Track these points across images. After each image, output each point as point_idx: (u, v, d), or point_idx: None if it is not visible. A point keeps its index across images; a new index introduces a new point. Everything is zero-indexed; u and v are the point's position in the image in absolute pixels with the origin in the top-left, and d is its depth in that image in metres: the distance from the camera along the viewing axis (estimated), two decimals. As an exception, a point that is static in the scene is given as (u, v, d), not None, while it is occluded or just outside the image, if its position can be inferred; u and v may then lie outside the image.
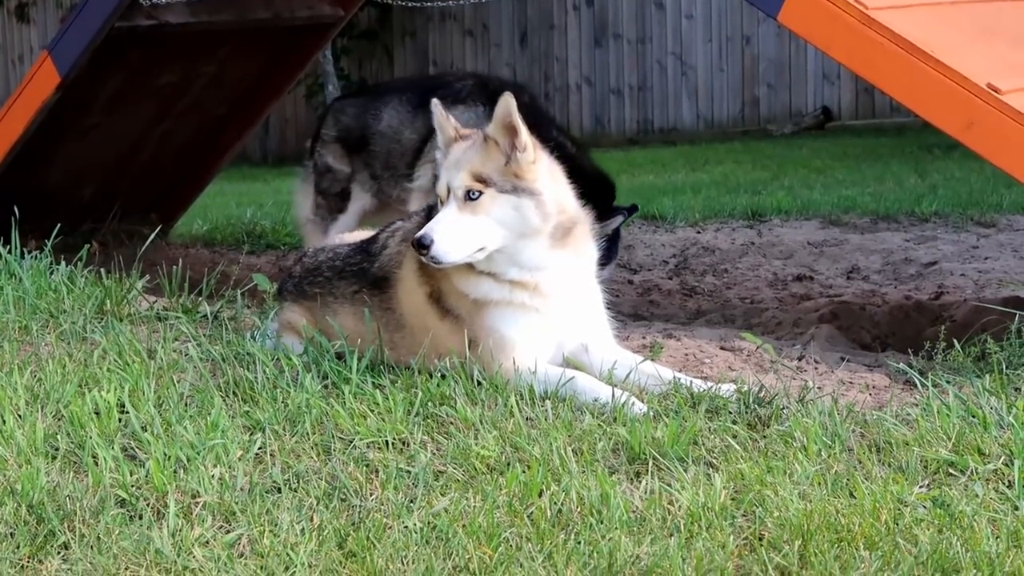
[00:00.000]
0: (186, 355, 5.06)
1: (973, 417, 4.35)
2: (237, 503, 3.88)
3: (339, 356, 4.84)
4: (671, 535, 3.68)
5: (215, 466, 4.09)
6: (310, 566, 3.55)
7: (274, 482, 4.04)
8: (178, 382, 4.77)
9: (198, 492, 3.94)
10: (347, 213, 7.53)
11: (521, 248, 4.70)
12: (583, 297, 4.89)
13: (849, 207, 9.87)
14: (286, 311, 5.28)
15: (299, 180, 7.98)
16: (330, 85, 17.49)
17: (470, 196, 4.64)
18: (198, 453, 4.16)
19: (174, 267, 5.92)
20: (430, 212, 4.83)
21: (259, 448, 4.24)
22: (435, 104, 4.87)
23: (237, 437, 4.28)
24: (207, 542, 3.70)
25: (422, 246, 4.59)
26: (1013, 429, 4.22)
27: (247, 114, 8.98)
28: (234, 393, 4.69)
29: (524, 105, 4.88)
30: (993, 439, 4.18)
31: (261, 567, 3.56)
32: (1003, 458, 4.07)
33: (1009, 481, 3.95)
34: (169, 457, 4.13)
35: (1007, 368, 4.76)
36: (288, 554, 3.61)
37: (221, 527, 3.80)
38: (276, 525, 3.76)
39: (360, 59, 19.05)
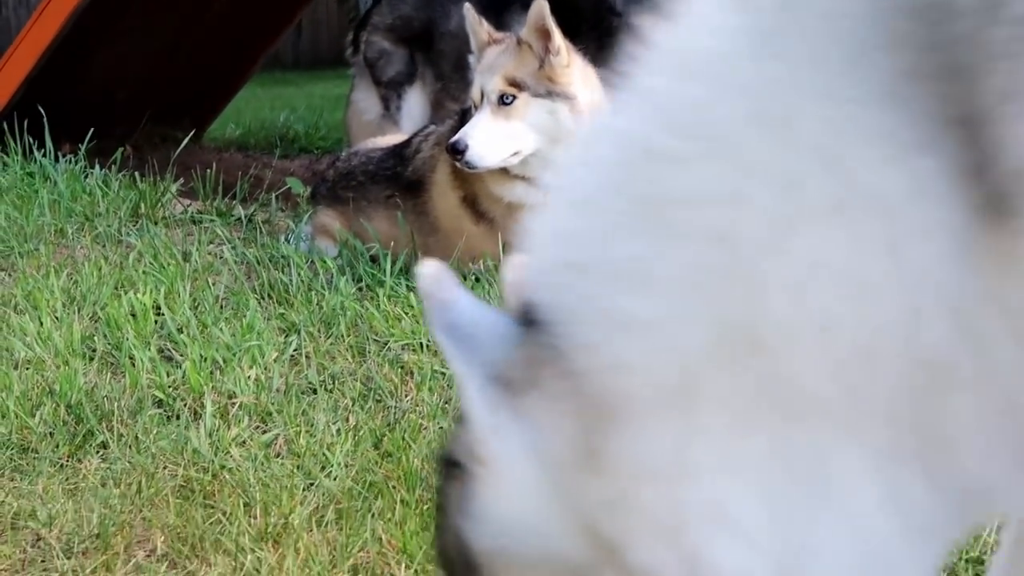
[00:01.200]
0: (221, 258, 5.07)
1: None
2: (273, 404, 3.91)
3: (373, 259, 4.85)
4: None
5: (251, 367, 4.11)
6: (346, 466, 3.57)
7: (310, 383, 4.06)
8: (213, 284, 4.79)
9: (234, 393, 3.97)
10: (406, 112, 7.24)
11: (556, 152, 4.70)
12: None
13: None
14: (320, 214, 5.29)
15: (354, 82, 7.59)
16: (362, -13, 17.40)
17: (504, 101, 4.62)
18: (234, 355, 4.18)
19: (208, 171, 5.93)
20: (464, 116, 4.83)
21: (294, 350, 4.25)
22: (467, 8, 4.85)
23: (272, 339, 4.30)
24: (244, 442, 3.73)
25: (456, 151, 4.59)
26: None
27: (279, 17, 8.94)
28: (269, 296, 4.71)
29: None
30: None
31: (297, 467, 3.58)
32: None
33: None
34: (205, 359, 4.16)
35: None
36: (324, 454, 3.63)
37: (258, 427, 3.83)
38: (312, 425, 3.78)
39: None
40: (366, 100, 7.40)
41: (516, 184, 4.75)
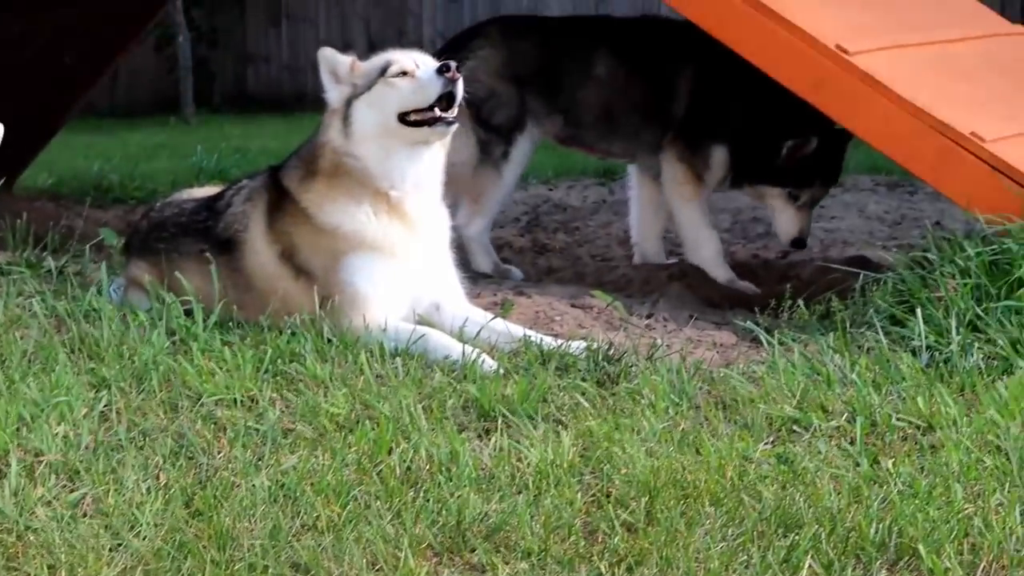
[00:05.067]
0: (30, 311, 4.96)
1: (817, 375, 4.43)
2: (81, 462, 3.82)
3: (188, 313, 4.79)
4: (520, 492, 3.70)
5: (59, 424, 4.03)
6: (156, 525, 3.51)
7: (119, 440, 3.98)
8: (21, 339, 4.68)
9: (41, 451, 3.87)
10: (514, 159, 6.49)
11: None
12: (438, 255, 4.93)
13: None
14: (133, 267, 5.21)
15: None
16: (181, 36, 17.24)
17: None
18: (42, 411, 4.09)
19: (18, 221, 5.81)
20: (274, 171, 4.91)
21: (104, 406, 4.17)
22: (322, 52, 4.95)
23: (82, 394, 4.22)
24: (50, 502, 3.64)
25: None
26: (856, 386, 4.30)
27: (95, 65, 8.81)
28: (79, 350, 4.62)
29: None
30: (836, 396, 4.26)
31: (105, 526, 3.51)
32: (845, 415, 4.15)
33: (851, 438, 4.03)
34: (11, 415, 4.05)
35: (850, 326, 4.85)
36: (133, 513, 3.56)
37: (65, 486, 3.74)
38: (121, 484, 3.71)
39: (212, 10, 18.79)
40: (454, 141, 6.82)
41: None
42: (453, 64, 4.82)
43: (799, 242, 6.39)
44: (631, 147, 6.62)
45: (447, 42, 7.14)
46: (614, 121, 6.46)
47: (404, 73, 4.83)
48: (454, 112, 4.80)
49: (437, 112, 4.78)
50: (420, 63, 4.87)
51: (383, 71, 4.85)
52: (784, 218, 6.33)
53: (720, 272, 6.26)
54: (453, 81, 4.77)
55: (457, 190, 6.22)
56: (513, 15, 6.14)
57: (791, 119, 6.04)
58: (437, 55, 5.11)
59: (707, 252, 6.30)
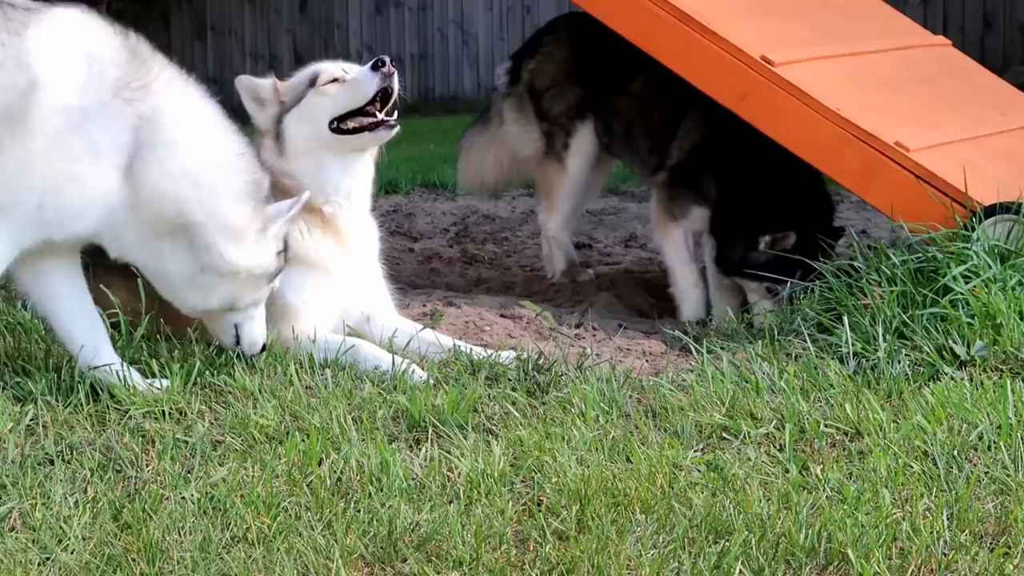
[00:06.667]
0: (-47, 325, 4.91)
1: (746, 382, 4.45)
2: (8, 476, 3.79)
3: (115, 326, 4.75)
4: (450, 502, 3.69)
5: (-16, 439, 3.99)
6: (84, 539, 3.48)
7: (47, 454, 3.95)
8: (-56, 353, 4.64)
9: (-34, 466, 3.84)
10: (575, 149, 6.39)
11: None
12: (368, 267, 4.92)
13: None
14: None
15: (503, 115, 6.62)
16: (105, 49, 17.13)
17: None
18: (-34, 425, 4.05)
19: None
20: None
21: (31, 419, 4.14)
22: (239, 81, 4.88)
23: (8, 408, 4.18)
24: (-24, 517, 3.61)
25: None
26: (784, 394, 4.33)
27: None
28: (4, 363, 4.58)
29: None
30: (765, 404, 4.28)
31: (33, 540, 3.48)
32: (774, 422, 4.17)
33: (780, 444, 4.05)
34: (-65, 430, 4.02)
35: (778, 334, 4.88)
36: (61, 527, 3.53)
37: (-9, 501, 3.71)
38: (49, 498, 3.68)
39: (136, 22, 18.66)
40: (523, 136, 6.55)
41: None
42: (387, 58, 4.77)
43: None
44: (642, 170, 6.45)
45: (525, 42, 6.98)
46: (633, 140, 6.29)
47: (335, 80, 4.79)
48: (395, 114, 4.75)
49: (378, 115, 4.74)
50: (349, 69, 4.84)
51: (312, 82, 4.80)
52: (761, 309, 5.65)
53: (686, 309, 5.95)
54: (389, 76, 4.71)
55: (534, 189, 6.43)
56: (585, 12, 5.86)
57: (780, 209, 5.65)
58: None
59: (681, 286, 5.99)
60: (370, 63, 4.78)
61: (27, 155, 4.09)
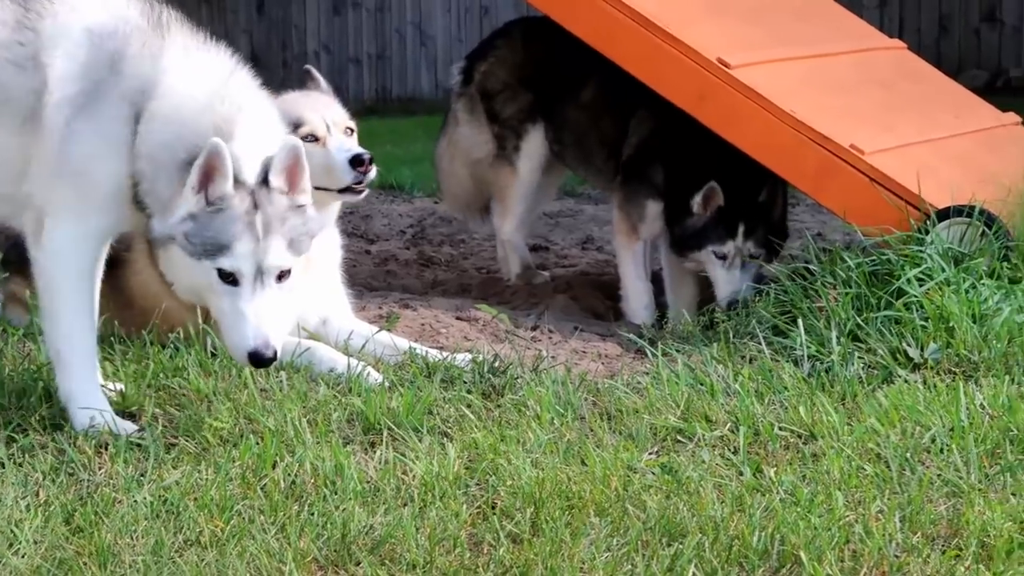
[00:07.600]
0: (-98, 328, 4.88)
1: (701, 385, 4.46)
2: (-41, 480, 3.77)
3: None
4: (405, 505, 3.69)
5: (-66, 442, 3.97)
6: (35, 542, 3.47)
7: (-2, 457, 3.94)
8: None
9: (-84, 469, 3.82)
10: (525, 152, 6.37)
11: None
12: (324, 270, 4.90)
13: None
14: (10, 282, 5.13)
15: (457, 116, 6.63)
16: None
17: None
18: (-85, 429, 4.03)
19: None
20: None
21: (-18, 423, 4.12)
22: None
23: (-42, 411, 4.16)
24: (-74, 520, 3.58)
25: None
26: (739, 396, 4.34)
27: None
28: (-44, 367, 4.56)
29: None
30: (720, 406, 4.29)
31: (-16, 544, 3.46)
32: (729, 425, 4.18)
33: (734, 447, 4.06)
34: None
35: (734, 337, 4.89)
36: (12, 530, 3.52)
37: (-59, 505, 3.69)
38: (0, 501, 3.66)
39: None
40: (475, 137, 6.56)
41: None
42: (367, 156, 4.72)
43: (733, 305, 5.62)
44: (599, 180, 6.48)
45: (479, 44, 6.97)
46: (587, 150, 6.28)
47: (315, 138, 4.76)
48: (364, 191, 4.78)
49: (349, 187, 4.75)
50: (332, 125, 4.80)
51: (293, 127, 4.69)
52: (719, 281, 5.70)
53: (634, 321, 5.88)
54: (364, 174, 4.71)
55: (487, 191, 6.44)
56: (540, 18, 5.72)
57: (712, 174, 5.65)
58: None
59: (632, 304, 5.98)
60: (353, 154, 4.73)
61: None
